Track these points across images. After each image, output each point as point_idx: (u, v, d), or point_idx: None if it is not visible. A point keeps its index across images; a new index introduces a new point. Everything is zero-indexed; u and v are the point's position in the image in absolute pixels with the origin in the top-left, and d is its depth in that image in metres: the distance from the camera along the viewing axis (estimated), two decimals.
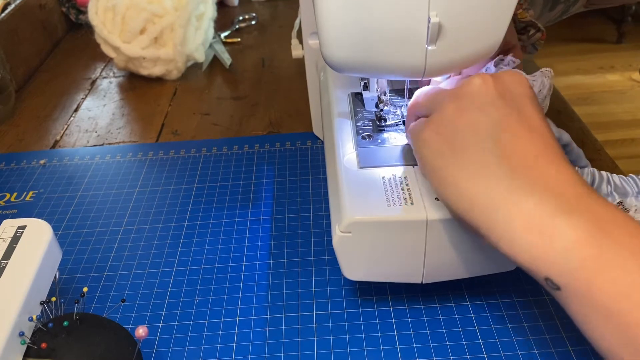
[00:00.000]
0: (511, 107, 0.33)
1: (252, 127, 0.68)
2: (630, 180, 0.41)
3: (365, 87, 0.48)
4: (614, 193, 0.41)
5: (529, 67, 0.49)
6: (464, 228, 0.35)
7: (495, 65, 0.43)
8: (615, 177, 0.42)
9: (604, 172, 0.42)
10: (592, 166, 0.44)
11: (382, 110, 0.45)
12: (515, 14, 0.52)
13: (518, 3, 0.51)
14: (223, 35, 0.89)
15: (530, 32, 0.54)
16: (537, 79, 0.42)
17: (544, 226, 0.30)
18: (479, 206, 0.32)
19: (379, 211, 0.37)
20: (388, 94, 0.45)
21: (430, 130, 0.35)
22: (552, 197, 0.30)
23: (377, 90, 0.45)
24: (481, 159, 0.32)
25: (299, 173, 0.58)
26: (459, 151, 0.33)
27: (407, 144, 0.42)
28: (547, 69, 0.42)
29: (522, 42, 0.56)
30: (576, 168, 0.41)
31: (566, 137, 0.43)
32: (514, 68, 0.43)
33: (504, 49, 0.46)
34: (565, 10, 0.62)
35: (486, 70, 0.43)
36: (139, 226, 0.53)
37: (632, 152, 1.85)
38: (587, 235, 0.29)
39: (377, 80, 0.44)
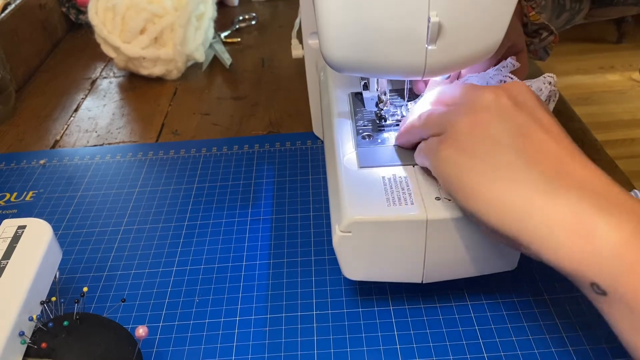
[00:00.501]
0: (528, 115, 0.33)
1: (252, 127, 0.68)
2: (632, 195, 0.40)
3: (365, 86, 0.48)
4: None
5: (530, 69, 0.49)
6: (499, 241, 0.34)
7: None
8: None
9: None
10: None
11: (382, 109, 0.45)
12: (527, 17, 0.52)
13: (530, 6, 0.51)
14: (223, 35, 0.89)
15: (542, 35, 0.54)
16: (533, 85, 0.42)
17: (587, 229, 0.28)
18: (516, 215, 0.31)
19: (379, 211, 0.37)
20: (388, 93, 0.45)
21: (449, 147, 0.34)
22: (590, 197, 0.29)
23: (377, 90, 0.45)
24: (509, 168, 0.32)
25: (299, 173, 0.58)
26: (486, 164, 0.32)
27: None
28: (550, 74, 0.41)
29: (534, 45, 0.55)
30: None
31: None
32: (512, 71, 0.43)
33: (511, 53, 0.45)
34: (569, 19, 0.62)
35: (486, 75, 0.43)
36: (139, 226, 0.53)
37: (632, 152, 1.85)
38: (632, 237, 0.27)
39: (377, 80, 0.44)
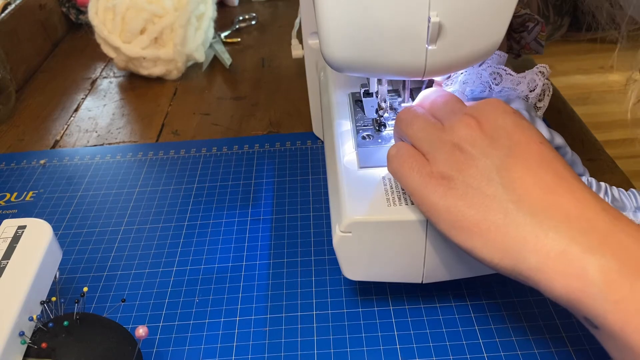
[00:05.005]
0: (507, 146, 0.33)
1: (252, 127, 0.68)
2: (631, 195, 0.40)
3: (366, 93, 0.48)
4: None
5: (529, 67, 0.49)
6: (499, 272, 0.34)
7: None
8: (615, 190, 0.40)
9: (602, 183, 0.40)
10: (592, 166, 0.43)
11: (381, 117, 0.45)
12: None
13: None
14: (223, 35, 0.89)
15: (529, 27, 0.54)
16: (526, 77, 0.41)
17: (576, 269, 0.29)
18: (513, 256, 0.31)
19: (379, 211, 0.37)
20: (388, 101, 0.45)
21: (438, 192, 0.34)
22: (579, 236, 0.30)
23: (377, 97, 0.45)
24: (501, 207, 0.32)
25: (299, 173, 0.58)
26: (479, 205, 0.32)
27: None
28: (543, 65, 0.41)
29: (525, 39, 0.55)
30: None
31: (559, 139, 0.41)
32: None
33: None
34: (550, 34, 0.62)
35: (479, 69, 0.42)
36: (139, 226, 0.53)
37: (632, 152, 1.85)
38: (618, 277, 0.28)
39: (378, 87, 0.44)
